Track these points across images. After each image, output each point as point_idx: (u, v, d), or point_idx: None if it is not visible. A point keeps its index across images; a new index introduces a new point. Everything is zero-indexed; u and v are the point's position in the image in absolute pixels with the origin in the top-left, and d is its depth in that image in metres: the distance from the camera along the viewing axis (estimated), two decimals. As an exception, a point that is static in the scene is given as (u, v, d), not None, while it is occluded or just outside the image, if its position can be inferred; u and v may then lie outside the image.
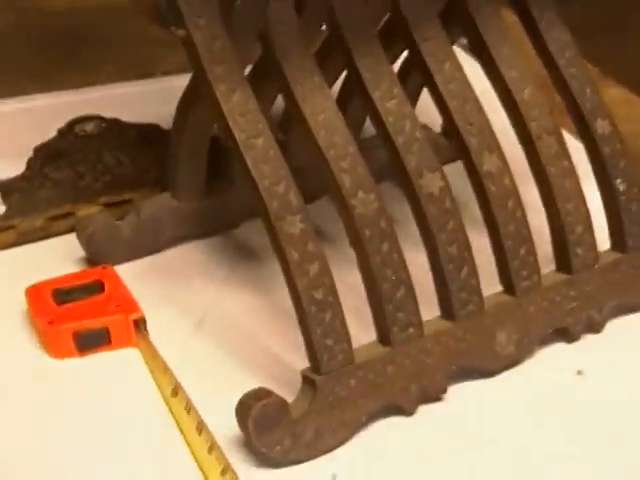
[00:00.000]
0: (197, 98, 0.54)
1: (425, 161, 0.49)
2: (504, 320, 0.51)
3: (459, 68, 0.52)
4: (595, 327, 0.54)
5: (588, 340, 0.55)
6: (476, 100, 0.52)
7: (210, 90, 0.47)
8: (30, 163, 0.72)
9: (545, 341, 0.53)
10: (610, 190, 0.54)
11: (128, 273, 0.59)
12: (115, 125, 0.75)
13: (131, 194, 0.68)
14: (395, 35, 0.53)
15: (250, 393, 0.46)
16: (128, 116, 0.74)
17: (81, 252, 0.63)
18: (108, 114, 0.74)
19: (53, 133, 0.74)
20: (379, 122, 0.50)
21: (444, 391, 0.50)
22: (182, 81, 0.88)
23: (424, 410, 0.50)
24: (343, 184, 0.47)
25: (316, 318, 0.46)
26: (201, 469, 0.47)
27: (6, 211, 0.67)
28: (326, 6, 0.50)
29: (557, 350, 0.54)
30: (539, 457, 0.47)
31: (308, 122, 0.48)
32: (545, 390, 0.51)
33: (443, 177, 0.50)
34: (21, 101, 0.85)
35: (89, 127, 0.75)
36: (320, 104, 0.48)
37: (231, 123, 0.46)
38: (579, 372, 0.52)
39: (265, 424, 0.45)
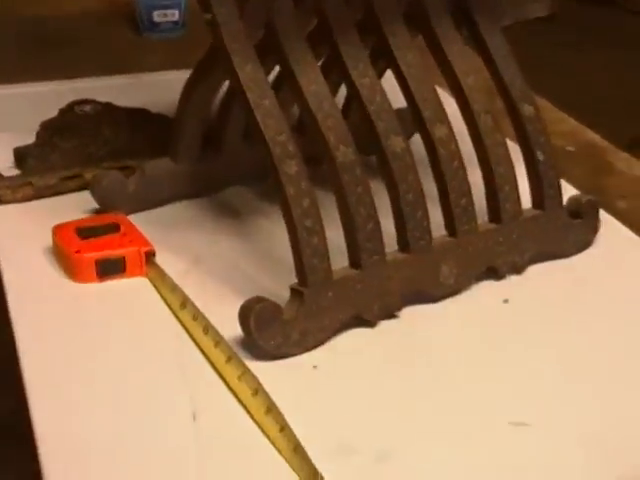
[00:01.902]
0: (206, 73, 0.67)
1: (391, 126, 0.63)
2: (447, 256, 0.64)
3: (418, 57, 0.66)
4: (518, 269, 0.68)
5: (512, 279, 0.68)
6: (430, 82, 0.65)
7: (228, 61, 0.59)
8: (39, 135, 0.83)
9: (479, 278, 0.67)
10: (532, 160, 0.68)
11: (135, 221, 0.71)
12: (109, 107, 0.88)
13: (129, 161, 0.80)
14: (368, 30, 0.66)
15: (251, 298, 0.58)
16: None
17: (89, 206, 0.74)
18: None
19: (51, 114, 0.86)
20: (356, 94, 0.63)
21: (399, 309, 0.63)
22: (155, 77, 1.02)
23: (384, 324, 0.63)
24: (329, 139, 0.60)
25: (306, 241, 0.59)
26: (210, 361, 0.58)
27: (23, 171, 0.79)
28: (318, 5, 0.63)
29: (488, 285, 0.67)
30: (472, 363, 0.59)
31: (303, 91, 0.61)
32: (479, 313, 0.64)
33: (404, 140, 0.63)
34: (19, 87, 0.97)
35: (87, 108, 0.87)
36: (312, 77, 0.61)
37: (245, 87, 0.59)
38: (505, 300, 0.66)
39: (263, 322, 0.58)
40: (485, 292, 0.66)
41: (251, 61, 0.60)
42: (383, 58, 0.66)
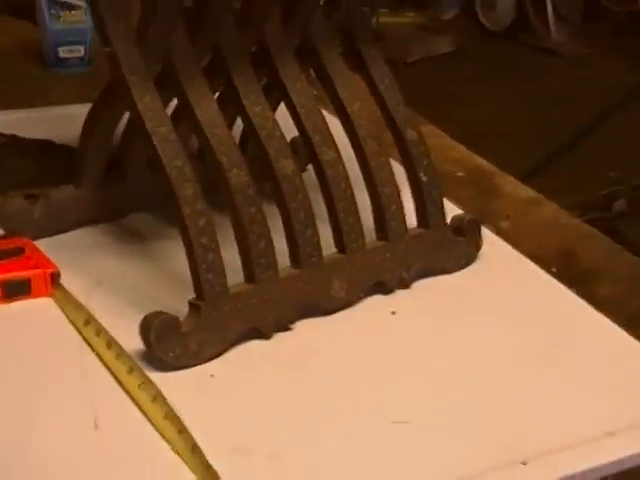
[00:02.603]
0: (108, 104, 0.70)
1: (281, 151, 0.67)
2: (338, 271, 0.69)
3: (307, 87, 0.70)
4: (405, 283, 0.72)
5: (400, 293, 0.73)
6: (319, 110, 0.70)
7: (128, 92, 0.63)
8: (-57, 168, 0.86)
9: (368, 292, 0.71)
10: (416, 181, 0.73)
11: (42, 247, 0.74)
12: (14, 139, 0.91)
13: (36, 190, 0.82)
14: (260, 63, 0.71)
15: (151, 313, 0.61)
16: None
17: (-5, 233, 0.77)
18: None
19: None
20: (249, 122, 0.67)
21: (292, 322, 0.67)
22: (59, 111, 1.04)
23: (278, 335, 0.67)
24: (223, 163, 0.64)
25: (202, 258, 0.62)
26: (112, 373, 0.61)
27: None
28: (213, 40, 0.67)
29: (377, 299, 0.72)
30: (359, 369, 0.64)
31: (198, 119, 0.65)
32: (367, 323, 0.69)
33: (294, 163, 0.67)
34: None
35: (-9, 141, 0.90)
36: (207, 107, 0.65)
37: (143, 116, 0.63)
38: (393, 312, 0.70)
39: (162, 335, 0.61)
40: (375, 305, 0.71)
41: (149, 92, 0.64)
42: (277, 90, 0.71)
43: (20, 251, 0.71)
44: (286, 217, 0.67)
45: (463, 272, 0.76)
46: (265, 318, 0.65)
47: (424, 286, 0.74)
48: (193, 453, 0.54)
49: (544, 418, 0.60)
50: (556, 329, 0.69)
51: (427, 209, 0.73)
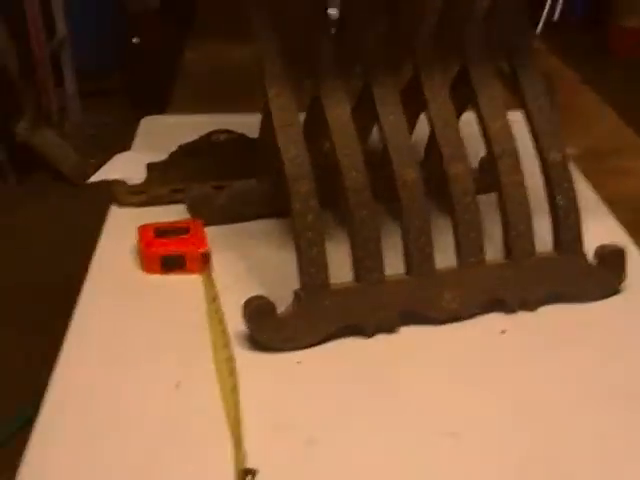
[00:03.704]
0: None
1: (407, 159, 0.69)
2: (451, 283, 0.70)
3: (448, 101, 0.72)
4: (529, 305, 0.71)
5: (520, 315, 0.71)
6: (456, 125, 0.71)
7: (265, 92, 0.69)
8: (172, 154, 0.97)
9: (486, 308, 0.71)
10: (553, 203, 0.72)
11: (216, 231, 0.82)
12: (241, 138, 1.00)
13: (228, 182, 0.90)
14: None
15: (252, 296, 0.67)
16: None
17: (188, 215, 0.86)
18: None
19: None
20: (381, 129, 0.70)
21: (395, 325, 0.69)
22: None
23: (379, 337, 0.69)
24: (343, 164, 0.68)
25: (306, 251, 0.67)
26: (213, 345, 0.68)
27: (146, 181, 0.92)
28: (358, 49, 0.71)
29: (493, 316, 0.71)
30: (442, 383, 0.65)
31: (329, 123, 0.69)
32: (471, 338, 0.69)
33: (416, 171, 0.69)
34: (197, 117, 1.11)
35: (222, 137, 1.00)
36: (339, 110, 0.69)
37: (274, 115, 0.68)
38: (503, 331, 0.70)
39: (257, 316, 0.66)
40: (487, 321, 0.71)
41: (284, 94, 0.69)
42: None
43: (185, 231, 0.79)
44: (402, 223, 0.69)
45: (598, 303, 0.73)
46: (367, 318, 0.68)
47: (550, 311, 0.72)
48: (236, 426, 0.59)
49: (597, 461, 0.58)
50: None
51: (561, 233, 0.72)
